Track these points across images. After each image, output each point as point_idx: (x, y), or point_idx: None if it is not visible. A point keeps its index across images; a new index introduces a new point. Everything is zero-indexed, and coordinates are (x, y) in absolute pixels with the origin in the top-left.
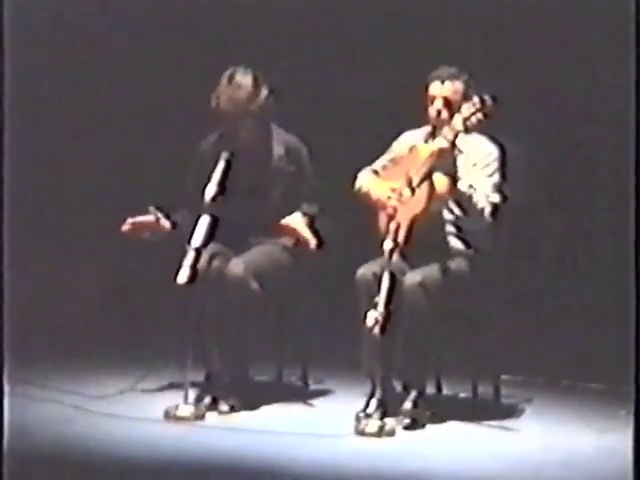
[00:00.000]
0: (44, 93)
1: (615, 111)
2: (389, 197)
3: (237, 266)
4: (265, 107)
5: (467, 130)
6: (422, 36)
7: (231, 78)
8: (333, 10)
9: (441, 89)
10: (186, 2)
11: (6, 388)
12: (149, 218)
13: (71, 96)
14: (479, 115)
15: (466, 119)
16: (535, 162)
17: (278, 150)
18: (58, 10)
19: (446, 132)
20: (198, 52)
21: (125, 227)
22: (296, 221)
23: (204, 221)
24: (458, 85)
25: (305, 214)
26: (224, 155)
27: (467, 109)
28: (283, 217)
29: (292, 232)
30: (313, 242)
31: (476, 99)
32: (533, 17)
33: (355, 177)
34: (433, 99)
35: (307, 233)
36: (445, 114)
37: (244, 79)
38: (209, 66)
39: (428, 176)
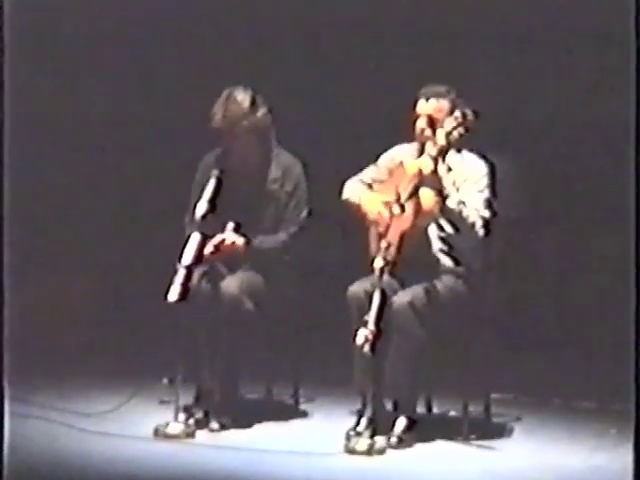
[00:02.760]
0: (42, 114)
1: (607, 124)
2: (381, 212)
3: (231, 285)
4: (261, 125)
5: (450, 144)
6: (419, 53)
7: (229, 95)
8: (332, 32)
9: (425, 107)
10: (189, 21)
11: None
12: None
13: (71, 114)
14: (461, 129)
15: (448, 133)
16: (524, 178)
17: (275, 171)
18: (57, 28)
19: (429, 148)
20: (199, 72)
21: (208, 250)
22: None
23: (194, 239)
24: (443, 103)
25: (237, 224)
26: (214, 173)
27: (449, 123)
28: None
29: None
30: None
31: (458, 113)
32: (523, 31)
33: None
34: (418, 117)
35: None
36: (429, 132)
37: (242, 97)
38: (210, 86)
39: (415, 192)
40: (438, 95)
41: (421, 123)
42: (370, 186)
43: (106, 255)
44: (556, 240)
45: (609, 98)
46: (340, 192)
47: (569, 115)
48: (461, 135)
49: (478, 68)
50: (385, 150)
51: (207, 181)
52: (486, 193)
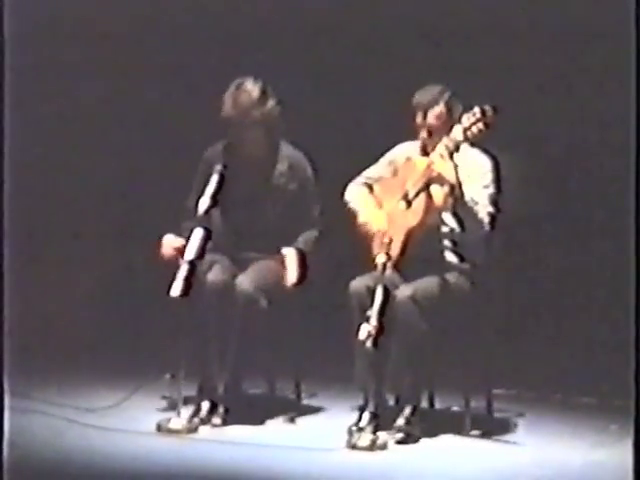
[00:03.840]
0: (46, 97)
1: (608, 124)
2: (379, 218)
3: (245, 282)
4: (270, 116)
5: (467, 140)
6: (424, 49)
7: (239, 86)
8: (335, 29)
9: (423, 119)
10: (198, 13)
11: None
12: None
13: (71, 110)
14: (480, 125)
15: (466, 129)
16: (530, 174)
17: (282, 166)
18: (61, 14)
19: (446, 142)
20: (208, 66)
21: (167, 252)
22: (290, 255)
23: (197, 234)
24: (439, 110)
25: (299, 250)
26: (217, 168)
27: (467, 119)
28: (279, 233)
29: (282, 263)
30: (292, 280)
31: (477, 109)
32: (528, 28)
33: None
34: (419, 128)
35: (293, 271)
36: (431, 140)
37: (251, 87)
38: (219, 78)
39: (425, 188)
40: (432, 103)
41: (423, 134)
42: (371, 187)
43: (108, 250)
44: (557, 238)
45: (610, 98)
46: (341, 186)
47: (570, 115)
48: (480, 131)
49: (479, 67)
50: (393, 144)
51: (210, 175)
52: (491, 189)
